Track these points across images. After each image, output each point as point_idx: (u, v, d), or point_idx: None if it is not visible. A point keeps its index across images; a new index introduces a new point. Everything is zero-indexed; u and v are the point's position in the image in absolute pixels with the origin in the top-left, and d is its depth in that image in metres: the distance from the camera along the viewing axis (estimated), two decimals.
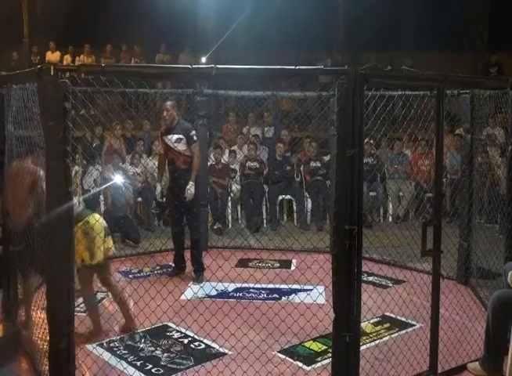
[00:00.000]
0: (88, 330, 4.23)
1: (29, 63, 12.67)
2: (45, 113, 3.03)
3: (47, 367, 3.22)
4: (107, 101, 6.60)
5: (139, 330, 4.35)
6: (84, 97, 6.11)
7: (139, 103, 8.14)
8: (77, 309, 3.42)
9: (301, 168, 8.75)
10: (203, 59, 12.20)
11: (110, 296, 4.64)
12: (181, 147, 5.57)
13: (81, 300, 4.38)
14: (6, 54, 13.02)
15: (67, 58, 12.84)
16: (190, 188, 5.55)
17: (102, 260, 4.10)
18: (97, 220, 4.09)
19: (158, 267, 6.18)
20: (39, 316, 3.98)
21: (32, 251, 3.74)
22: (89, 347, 4.08)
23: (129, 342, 4.21)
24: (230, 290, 5.32)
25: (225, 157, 8.64)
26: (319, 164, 8.59)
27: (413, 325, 4.57)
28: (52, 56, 13.03)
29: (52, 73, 2.91)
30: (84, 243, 3.99)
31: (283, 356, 4.05)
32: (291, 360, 4.00)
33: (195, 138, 5.64)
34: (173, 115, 5.62)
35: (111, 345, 4.17)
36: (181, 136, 5.57)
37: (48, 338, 3.39)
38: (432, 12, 13.41)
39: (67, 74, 2.94)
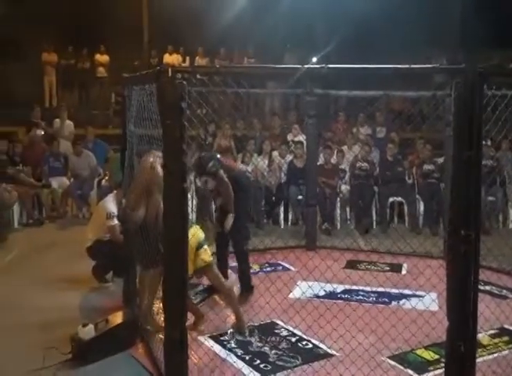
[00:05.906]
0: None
1: (148, 66, 13.37)
2: (163, 112, 3.18)
3: (162, 354, 3.38)
4: (220, 101, 6.77)
5: (248, 324, 4.40)
6: (199, 97, 6.32)
7: (250, 103, 8.28)
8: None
9: (413, 170, 8.48)
10: (314, 59, 12.17)
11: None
12: (211, 185, 5.10)
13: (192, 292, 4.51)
14: (129, 59, 13.88)
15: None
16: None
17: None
18: (193, 235, 4.00)
19: (267, 264, 6.25)
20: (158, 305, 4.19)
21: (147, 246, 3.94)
22: (201, 339, 4.21)
23: (239, 337, 4.29)
24: (339, 291, 5.25)
25: (334, 157, 8.58)
26: (432, 167, 8.28)
27: None
28: (170, 59, 13.70)
29: (169, 74, 3.05)
30: None
31: (393, 363, 3.93)
32: (401, 367, 3.87)
33: (214, 169, 5.00)
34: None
35: (221, 338, 4.27)
36: (204, 178, 5.11)
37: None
38: None
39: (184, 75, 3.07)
